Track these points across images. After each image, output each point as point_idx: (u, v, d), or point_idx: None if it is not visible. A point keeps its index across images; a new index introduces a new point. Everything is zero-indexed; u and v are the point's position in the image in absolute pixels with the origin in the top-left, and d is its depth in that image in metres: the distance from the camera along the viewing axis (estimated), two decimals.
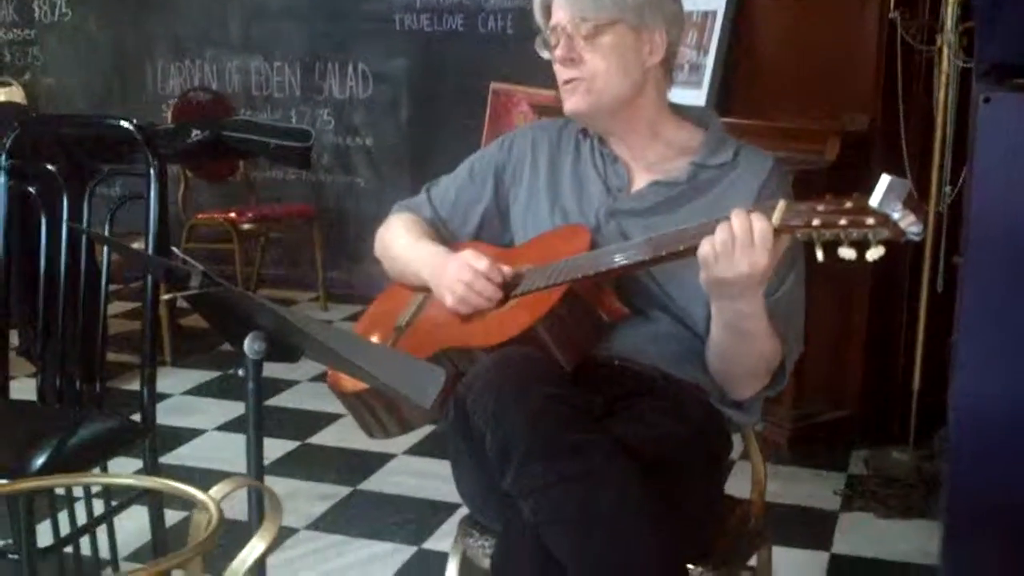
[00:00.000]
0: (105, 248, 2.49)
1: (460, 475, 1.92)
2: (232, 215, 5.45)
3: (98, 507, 2.64)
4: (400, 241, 2.19)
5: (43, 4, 6.52)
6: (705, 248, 1.70)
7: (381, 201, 5.78)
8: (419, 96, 5.81)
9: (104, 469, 2.42)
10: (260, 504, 1.56)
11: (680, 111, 2.12)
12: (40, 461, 2.12)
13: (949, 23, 3.39)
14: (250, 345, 1.56)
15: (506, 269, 1.99)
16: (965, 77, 3.37)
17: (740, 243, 1.66)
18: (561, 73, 2.02)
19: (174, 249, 1.69)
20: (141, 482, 1.52)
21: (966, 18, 3.29)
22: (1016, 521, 2.46)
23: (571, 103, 2.02)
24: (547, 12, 2.05)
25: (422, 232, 2.18)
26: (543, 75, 2.17)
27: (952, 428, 2.56)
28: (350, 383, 2.00)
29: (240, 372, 1.59)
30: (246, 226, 5.51)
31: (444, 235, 2.22)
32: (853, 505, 3.37)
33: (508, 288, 1.99)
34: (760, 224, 1.66)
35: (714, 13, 3.95)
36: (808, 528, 3.24)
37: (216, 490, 1.24)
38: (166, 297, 1.90)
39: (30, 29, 6.60)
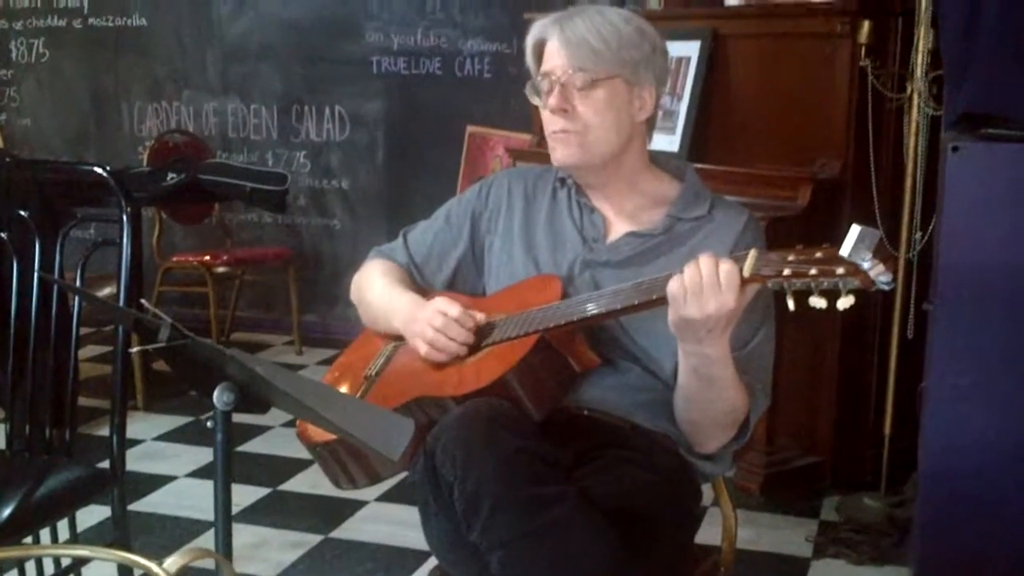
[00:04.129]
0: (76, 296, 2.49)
1: (429, 526, 1.91)
2: (207, 258, 5.45)
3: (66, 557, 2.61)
4: (374, 287, 2.19)
5: (20, 45, 6.52)
6: (674, 285, 1.71)
7: (357, 244, 5.80)
8: (395, 139, 5.83)
9: (72, 519, 2.40)
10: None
11: (657, 162, 2.13)
12: (7, 512, 2.10)
13: (919, 71, 3.43)
14: (219, 396, 1.56)
15: (479, 315, 1.99)
16: (935, 124, 3.40)
17: (707, 283, 1.67)
18: (551, 123, 2.01)
19: (143, 302, 1.69)
20: (95, 553, 1.50)
21: (936, 66, 3.33)
22: (985, 568, 2.47)
23: (561, 155, 2.01)
24: (539, 55, 2.04)
25: (396, 278, 2.18)
26: (519, 119, 2.18)
27: (921, 474, 2.58)
28: (317, 434, 2.00)
29: (209, 423, 1.59)
30: (220, 269, 5.51)
31: (418, 281, 2.22)
32: (825, 552, 3.37)
33: (480, 337, 1.99)
34: (726, 266, 1.68)
35: (688, 59, 3.98)
36: (780, 575, 3.23)
37: (171, 563, 1.23)
38: (135, 350, 1.89)
39: (7, 69, 6.60)
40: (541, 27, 2.04)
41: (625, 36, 1.97)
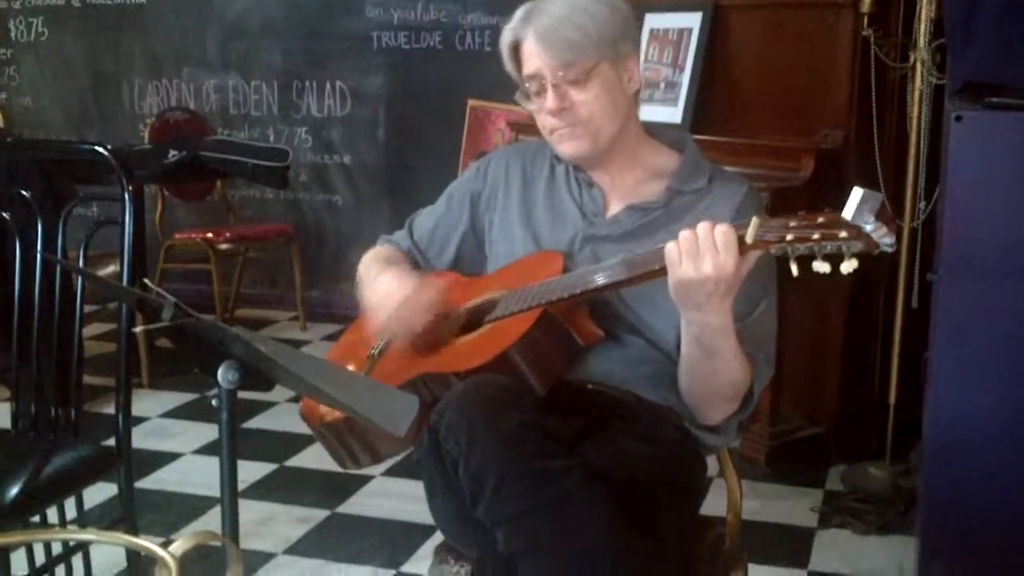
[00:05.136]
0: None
1: (434, 502, 1.92)
2: (209, 235, 5.44)
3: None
4: (367, 270, 2.19)
5: (19, 23, 6.50)
6: (671, 247, 1.71)
7: (359, 219, 5.80)
8: (397, 114, 5.82)
9: (79, 497, 2.41)
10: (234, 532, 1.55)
11: (655, 133, 2.12)
12: (13, 493, 2.11)
13: (922, 41, 3.41)
14: (224, 374, 1.56)
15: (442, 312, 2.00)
16: (939, 93, 3.39)
17: (703, 244, 1.68)
18: (551, 122, 1.98)
19: (147, 281, 1.68)
20: (100, 537, 1.51)
21: (939, 35, 3.31)
22: (990, 537, 2.47)
23: (572, 149, 1.99)
24: (516, 58, 2.01)
25: (389, 263, 2.18)
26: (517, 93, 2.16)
27: (926, 444, 2.58)
28: (320, 414, 2.00)
29: (214, 401, 1.59)
30: (223, 246, 5.51)
31: (423, 265, 2.22)
32: (830, 522, 3.38)
33: (482, 314, 1.99)
34: (722, 227, 1.68)
35: (689, 31, 3.96)
36: (785, 545, 3.25)
37: (176, 546, 1.23)
38: (139, 330, 1.89)
39: (6, 48, 6.59)
40: (511, 30, 2.00)
41: (599, 17, 1.93)
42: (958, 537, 2.50)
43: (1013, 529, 2.43)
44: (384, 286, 2.07)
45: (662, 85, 3.98)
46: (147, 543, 1.25)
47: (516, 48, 2.00)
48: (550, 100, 1.95)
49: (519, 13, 2.00)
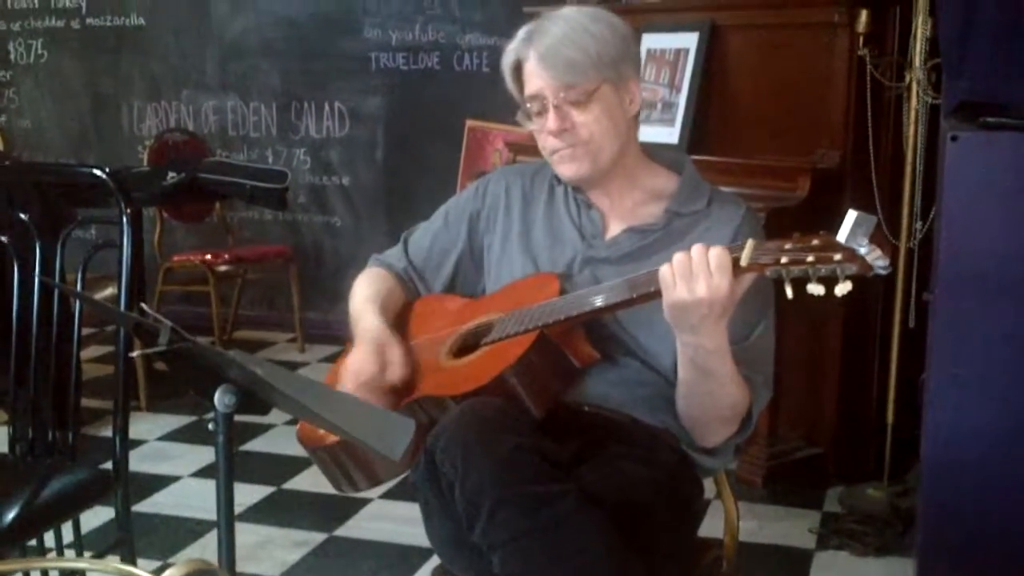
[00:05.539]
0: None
1: (431, 526, 1.91)
2: (208, 257, 5.45)
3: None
4: (355, 299, 2.19)
5: (19, 45, 6.52)
6: (664, 269, 1.72)
7: (358, 240, 5.80)
8: (395, 135, 5.82)
9: (77, 521, 2.41)
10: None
11: (653, 155, 2.12)
12: (10, 517, 2.10)
13: (917, 60, 3.42)
14: (220, 398, 1.56)
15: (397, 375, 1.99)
16: (935, 113, 3.39)
17: (697, 266, 1.68)
18: (552, 143, 1.99)
19: (144, 306, 1.69)
20: (94, 566, 1.51)
21: (935, 54, 3.32)
22: (988, 557, 2.47)
23: (572, 170, 2.00)
24: (518, 78, 2.02)
25: (375, 293, 2.17)
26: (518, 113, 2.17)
27: (924, 464, 2.58)
28: (317, 437, 2.00)
29: (210, 425, 1.59)
30: (222, 268, 5.52)
31: (417, 285, 2.22)
32: (828, 543, 3.37)
33: (479, 336, 1.99)
34: (716, 250, 1.69)
35: (686, 51, 3.97)
36: (784, 567, 3.24)
37: (168, 574, 1.23)
38: (136, 354, 1.90)
39: (6, 70, 6.60)
40: (514, 50, 2.01)
41: (599, 38, 1.94)
42: (956, 558, 2.50)
43: (1011, 549, 2.43)
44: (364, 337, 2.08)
45: (659, 105, 3.99)
46: (142, 572, 1.25)
47: (518, 68, 2.02)
48: (551, 120, 1.96)
49: (521, 33, 2.01)
